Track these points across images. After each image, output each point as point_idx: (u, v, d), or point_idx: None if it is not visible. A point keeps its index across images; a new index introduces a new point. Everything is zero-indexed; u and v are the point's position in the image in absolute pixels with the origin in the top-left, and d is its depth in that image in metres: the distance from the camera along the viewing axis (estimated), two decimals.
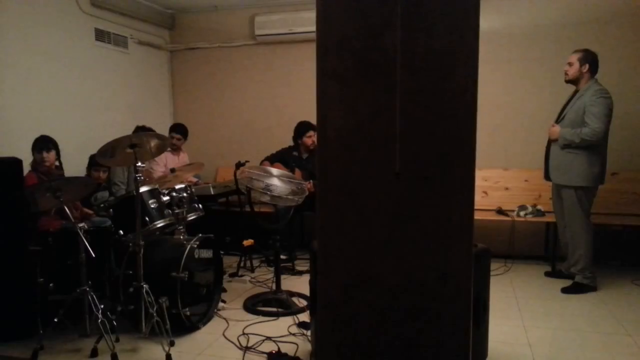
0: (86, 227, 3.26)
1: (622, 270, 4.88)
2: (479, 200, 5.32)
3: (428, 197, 1.97)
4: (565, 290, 4.23)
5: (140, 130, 4.78)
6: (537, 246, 5.34)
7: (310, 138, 5.24)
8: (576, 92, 4.22)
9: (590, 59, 4.11)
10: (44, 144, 3.88)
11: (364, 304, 2.06)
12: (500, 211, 5.19)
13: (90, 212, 4.14)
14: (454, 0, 1.87)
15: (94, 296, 3.16)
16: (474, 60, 1.88)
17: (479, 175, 5.33)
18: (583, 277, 4.23)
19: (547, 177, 4.43)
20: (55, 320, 3.11)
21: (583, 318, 3.70)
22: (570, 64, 4.17)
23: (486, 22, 5.24)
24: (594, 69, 4.13)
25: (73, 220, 3.17)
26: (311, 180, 4.72)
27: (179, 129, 5.45)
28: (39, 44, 4.53)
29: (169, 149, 5.22)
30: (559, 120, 4.25)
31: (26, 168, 3.64)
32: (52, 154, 3.91)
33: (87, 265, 3.18)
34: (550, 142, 4.33)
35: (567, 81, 4.23)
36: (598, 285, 4.29)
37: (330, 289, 2.10)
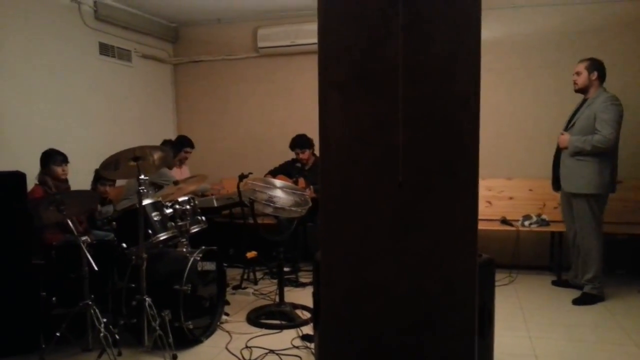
0: (89, 240, 3.26)
1: (629, 279, 4.84)
2: (483, 210, 5.29)
3: (431, 207, 1.95)
4: (575, 302, 4.19)
5: (168, 143, 5.03)
6: (542, 256, 5.30)
7: (298, 155, 5.27)
8: (585, 100, 4.21)
9: (597, 67, 4.12)
10: (62, 157, 3.93)
11: (367, 315, 2.04)
12: (504, 221, 5.16)
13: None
14: (455, 10, 1.87)
15: (97, 310, 3.15)
16: (476, 68, 1.88)
17: (483, 184, 5.31)
18: (592, 288, 4.19)
19: (556, 187, 4.40)
20: (58, 334, 3.11)
21: (589, 328, 3.66)
22: (578, 73, 4.17)
23: (488, 31, 5.26)
24: (602, 77, 4.13)
25: (76, 233, 3.16)
26: (311, 186, 4.70)
27: (191, 143, 5.45)
28: (43, 58, 4.56)
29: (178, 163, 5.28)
30: (568, 128, 4.24)
31: (30, 181, 3.64)
32: (67, 167, 3.95)
33: (90, 279, 3.17)
34: (558, 151, 4.31)
35: (577, 90, 4.23)
36: (605, 295, 4.25)
37: (333, 300, 2.08)
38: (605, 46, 5.03)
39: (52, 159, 3.88)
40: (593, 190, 4.08)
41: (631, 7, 4.99)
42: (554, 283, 4.72)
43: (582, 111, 4.16)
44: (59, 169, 3.89)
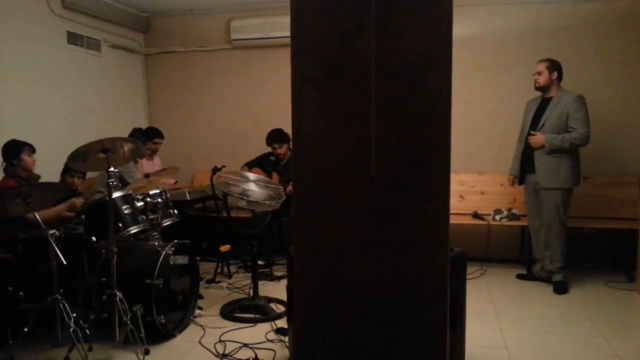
0: (57, 233, 3.18)
1: (596, 272, 4.96)
2: (455, 204, 5.36)
3: (404, 202, 1.96)
4: (557, 291, 4.31)
5: (137, 132, 4.87)
6: (513, 249, 5.40)
7: (276, 150, 5.24)
8: (546, 99, 4.36)
9: (557, 67, 4.33)
10: (31, 147, 3.80)
11: (340, 309, 2.05)
12: (476, 215, 5.24)
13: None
14: (428, 6, 1.87)
15: (66, 304, 3.09)
16: (448, 65, 1.89)
17: (455, 179, 5.37)
18: (563, 276, 4.36)
19: (520, 182, 4.62)
20: (26, 329, 3.03)
21: (558, 320, 3.74)
22: (539, 73, 4.36)
23: (461, 28, 5.30)
24: (560, 76, 4.34)
25: (43, 226, 3.09)
26: (291, 183, 4.68)
27: (160, 133, 5.34)
28: (8, 46, 4.42)
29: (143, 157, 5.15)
30: (538, 127, 4.33)
31: None
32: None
33: (59, 273, 3.10)
34: (526, 148, 4.45)
35: (537, 88, 4.41)
36: (573, 287, 4.39)
37: (306, 294, 2.08)
38: (575, 44, 5.13)
39: (23, 149, 3.77)
40: (570, 185, 4.29)
41: (602, 5, 5.08)
42: (520, 277, 4.80)
43: (551, 110, 4.30)
44: (30, 160, 3.78)
